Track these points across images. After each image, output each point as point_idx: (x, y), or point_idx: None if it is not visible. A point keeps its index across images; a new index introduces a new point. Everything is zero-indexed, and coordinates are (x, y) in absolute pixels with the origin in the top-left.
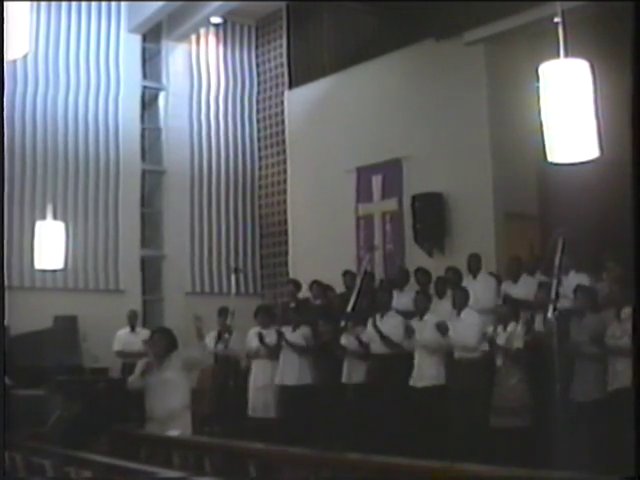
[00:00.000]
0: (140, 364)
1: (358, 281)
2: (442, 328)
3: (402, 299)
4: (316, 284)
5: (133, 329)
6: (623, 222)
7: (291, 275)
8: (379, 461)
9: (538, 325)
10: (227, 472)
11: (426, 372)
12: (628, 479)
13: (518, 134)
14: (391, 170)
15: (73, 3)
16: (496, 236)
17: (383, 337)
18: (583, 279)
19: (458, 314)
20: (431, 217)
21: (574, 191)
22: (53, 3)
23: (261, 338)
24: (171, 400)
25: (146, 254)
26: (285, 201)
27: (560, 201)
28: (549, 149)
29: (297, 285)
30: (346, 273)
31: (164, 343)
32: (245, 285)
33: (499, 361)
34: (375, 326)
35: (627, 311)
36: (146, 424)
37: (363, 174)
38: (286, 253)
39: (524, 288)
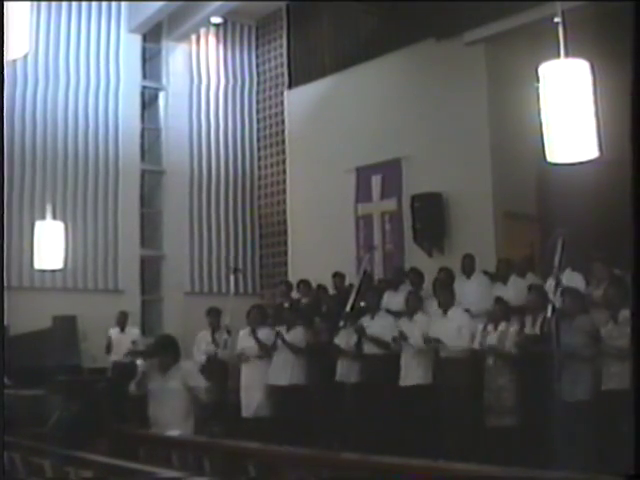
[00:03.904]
0: (140, 369)
1: (357, 281)
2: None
3: (396, 299)
4: (303, 283)
5: (123, 330)
6: (623, 222)
7: (290, 275)
8: (377, 461)
9: (529, 325)
10: (226, 472)
11: (414, 371)
12: (628, 478)
13: (518, 134)
14: (390, 170)
15: (73, 3)
16: (495, 236)
17: (369, 339)
18: (579, 279)
19: (444, 314)
20: (430, 217)
21: (574, 191)
22: (53, 3)
23: (255, 337)
24: (174, 408)
25: (145, 254)
26: (285, 201)
27: (559, 201)
28: (549, 149)
29: (289, 286)
30: (336, 275)
31: (170, 354)
32: (244, 285)
33: (490, 361)
34: (360, 328)
35: (624, 312)
36: (150, 428)
37: (362, 174)
38: (285, 253)
39: (514, 289)
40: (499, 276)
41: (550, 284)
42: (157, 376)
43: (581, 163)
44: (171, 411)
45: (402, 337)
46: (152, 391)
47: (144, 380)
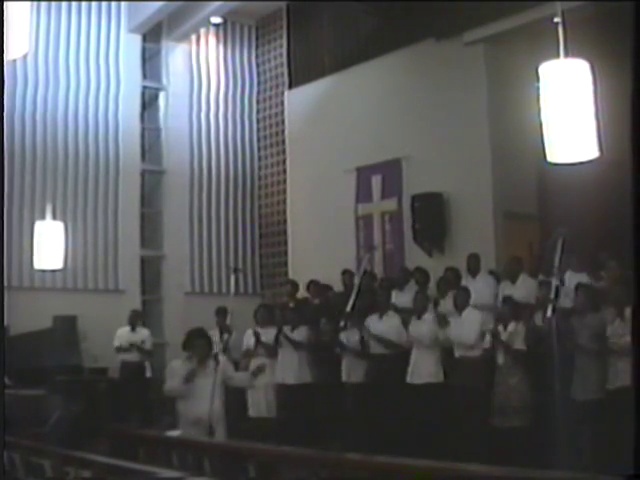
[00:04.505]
0: (177, 369)
1: (357, 281)
2: (443, 321)
3: (402, 298)
4: (313, 284)
5: (134, 329)
6: (623, 222)
7: (291, 275)
8: (379, 461)
9: (538, 324)
10: (227, 472)
11: (423, 369)
12: (629, 477)
13: (518, 134)
14: (391, 170)
15: (73, 3)
16: (496, 236)
17: (378, 339)
18: (583, 279)
19: (460, 313)
20: (431, 217)
21: (574, 191)
22: (53, 3)
23: (258, 337)
24: (215, 404)
25: (146, 254)
26: (285, 201)
27: (560, 201)
28: (549, 149)
29: (295, 285)
30: (345, 272)
31: (205, 347)
32: (245, 285)
33: (500, 360)
34: (366, 328)
35: (627, 310)
36: (183, 428)
37: (363, 174)
38: (286, 253)
39: (523, 288)
40: (508, 275)
41: (553, 284)
42: (197, 371)
43: (581, 163)
44: (215, 407)
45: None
46: (194, 387)
47: (190, 376)
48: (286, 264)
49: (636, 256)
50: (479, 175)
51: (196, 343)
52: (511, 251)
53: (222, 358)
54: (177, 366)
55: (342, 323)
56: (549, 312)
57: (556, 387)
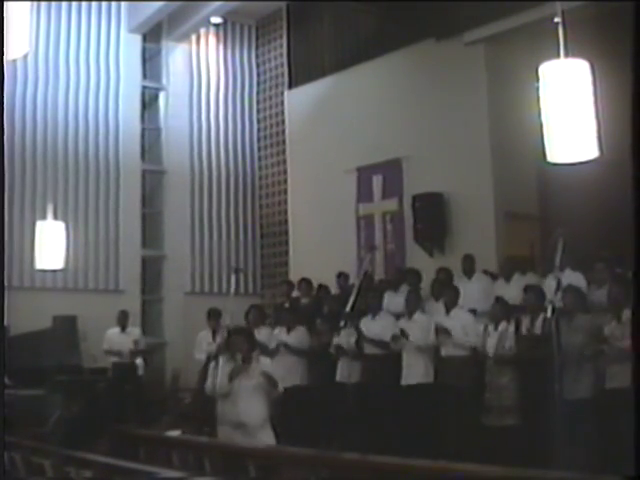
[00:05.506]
0: (214, 368)
1: (358, 281)
2: (440, 329)
3: (396, 299)
4: (304, 282)
5: (123, 329)
6: (623, 222)
7: (291, 275)
8: (378, 461)
9: (529, 324)
10: (227, 472)
11: (415, 370)
12: (628, 478)
13: (518, 134)
14: (391, 170)
15: (73, 3)
16: (496, 236)
17: (368, 339)
18: (579, 278)
19: (447, 313)
20: (431, 217)
21: (574, 191)
22: (53, 3)
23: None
24: (260, 406)
25: (146, 254)
26: (285, 201)
27: (560, 201)
28: (549, 149)
29: (290, 285)
30: (340, 275)
31: (248, 345)
32: (245, 285)
33: (490, 360)
34: (358, 328)
35: (628, 312)
36: (222, 431)
37: (363, 174)
38: (286, 253)
39: (517, 288)
40: (502, 275)
41: (550, 283)
42: (240, 370)
43: (581, 163)
44: (260, 409)
45: (404, 335)
46: (239, 388)
47: (234, 374)
48: (287, 264)
49: (636, 256)
50: (480, 175)
51: (234, 340)
52: (512, 251)
53: (264, 358)
54: (218, 364)
55: (342, 323)
56: (549, 312)
57: (547, 386)
